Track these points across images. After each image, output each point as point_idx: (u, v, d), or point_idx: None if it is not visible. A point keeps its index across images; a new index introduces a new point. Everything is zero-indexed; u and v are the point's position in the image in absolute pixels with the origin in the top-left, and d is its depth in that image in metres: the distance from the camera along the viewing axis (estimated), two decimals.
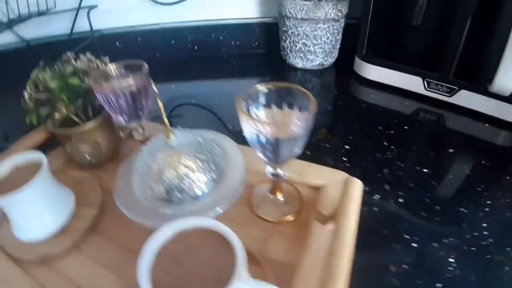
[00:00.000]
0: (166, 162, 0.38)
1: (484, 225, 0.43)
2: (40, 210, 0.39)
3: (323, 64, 0.80)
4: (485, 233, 0.42)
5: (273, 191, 0.42)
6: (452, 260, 0.39)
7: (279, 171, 0.38)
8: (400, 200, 0.47)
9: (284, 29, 0.76)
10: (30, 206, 0.38)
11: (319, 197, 0.42)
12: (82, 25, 0.86)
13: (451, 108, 0.65)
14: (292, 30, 0.74)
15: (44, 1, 0.80)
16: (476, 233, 0.42)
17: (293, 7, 0.70)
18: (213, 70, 0.87)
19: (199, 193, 0.38)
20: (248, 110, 0.34)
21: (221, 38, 0.91)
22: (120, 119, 0.44)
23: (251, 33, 0.90)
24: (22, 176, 0.38)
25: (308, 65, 0.79)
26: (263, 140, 0.33)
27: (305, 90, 0.33)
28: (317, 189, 0.45)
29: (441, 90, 0.64)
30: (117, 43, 0.92)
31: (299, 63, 0.80)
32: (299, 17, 0.71)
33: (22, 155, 0.41)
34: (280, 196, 0.42)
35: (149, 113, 0.47)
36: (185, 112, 0.71)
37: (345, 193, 0.36)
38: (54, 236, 0.40)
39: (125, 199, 0.38)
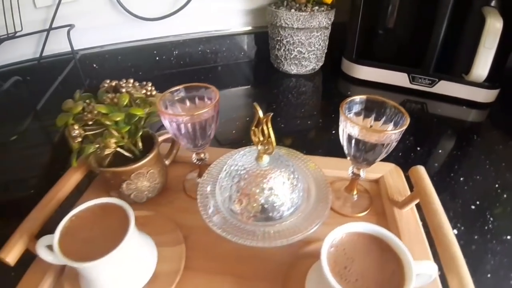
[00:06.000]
0: (257, 182, 0.39)
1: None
2: (134, 263, 0.37)
3: (315, 69, 0.86)
4: None
5: (348, 189, 0.46)
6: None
7: (361, 171, 0.42)
8: None
9: (278, 38, 0.81)
10: (125, 261, 0.35)
11: (383, 187, 0.48)
12: (49, 48, 0.78)
13: (432, 96, 0.77)
14: (288, 39, 0.79)
15: (11, 25, 0.71)
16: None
17: (289, 18, 0.75)
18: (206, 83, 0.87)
19: (290, 210, 0.40)
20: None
21: (208, 51, 0.91)
22: (189, 146, 0.43)
23: (237, 44, 0.92)
24: (87, 227, 0.36)
25: (302, 71, 0.85)
26: (358, 143, 0.37)
27: (398, 105, 0.38)
28: (375, 181, 0.50)
29: (423, 82, 0.76)
30: (94, 65, 0.85)
31: (293, 69, 0.85)
32: (295, 27, 0.76)
33: (89, 203, 0.38)
34: (354, 193, 0.46)
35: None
36: None
37: (418, 178, 0.42)
38: (148, 287, 0.37)
39: (222, 224, 0.38)
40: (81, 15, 0.80)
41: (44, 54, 0.80)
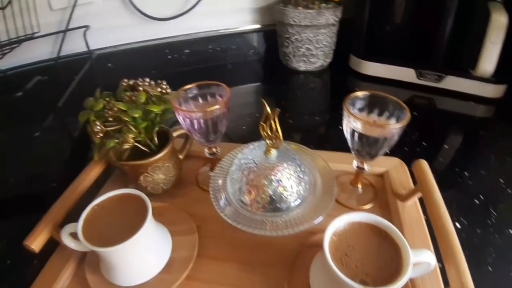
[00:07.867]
0: (265, 175, 0.41)
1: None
2: (151, 249, 0.39)
3: (323, 65, 0.88)
4: None
5: (353, 183, 0.48)
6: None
7: (365, 165, 0.44)
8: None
9: (287, 36, 0.82)
10: (143, 247, 0.38)
11: (388, 181, 0.50)
12: (66, 48, 0.82)
13: (440, 92, 0.77)
14: (296, 36, 0.81)
15: (29, 26, 0.74)
16: None
17: (297, 16, 0.77)
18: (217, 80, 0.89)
19: (297, 201, 0.42)
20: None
21: (218, 49, 0.93)
22: (202, 141, 0.46)
23: (246, 42, 0.94)
24: (108, 216, 0.39)
25: (311, 67, 0.87)
26: (361, 137, 0.39)
27: (400, 101, 0.40)
28: (380, 176, 0.52)
29: (431, 78, 0.77)
30: (109, 64, 0.88)
31: (301, 66, 0.86)
32: (303, 24, 0.77)
33: (110, 193, 0.41)
34: (359, 186, 0.48)
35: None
36: None
37: (420, 172, 0.43)
38: (164, 272, 0.40)
39: (233, 215, 0.41)
40: (96, 17, 0.83)
41: (60, 54, 0.83)
